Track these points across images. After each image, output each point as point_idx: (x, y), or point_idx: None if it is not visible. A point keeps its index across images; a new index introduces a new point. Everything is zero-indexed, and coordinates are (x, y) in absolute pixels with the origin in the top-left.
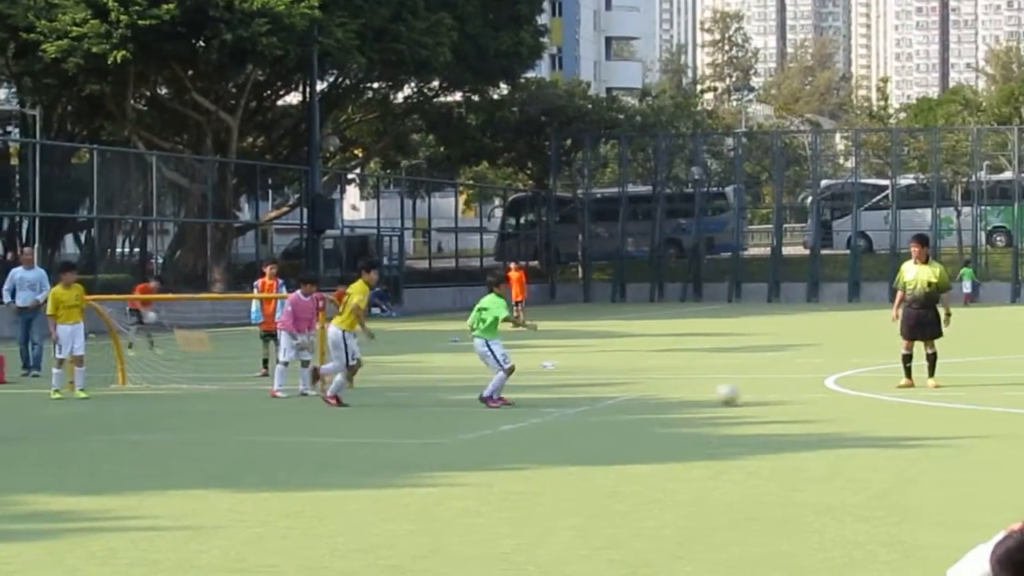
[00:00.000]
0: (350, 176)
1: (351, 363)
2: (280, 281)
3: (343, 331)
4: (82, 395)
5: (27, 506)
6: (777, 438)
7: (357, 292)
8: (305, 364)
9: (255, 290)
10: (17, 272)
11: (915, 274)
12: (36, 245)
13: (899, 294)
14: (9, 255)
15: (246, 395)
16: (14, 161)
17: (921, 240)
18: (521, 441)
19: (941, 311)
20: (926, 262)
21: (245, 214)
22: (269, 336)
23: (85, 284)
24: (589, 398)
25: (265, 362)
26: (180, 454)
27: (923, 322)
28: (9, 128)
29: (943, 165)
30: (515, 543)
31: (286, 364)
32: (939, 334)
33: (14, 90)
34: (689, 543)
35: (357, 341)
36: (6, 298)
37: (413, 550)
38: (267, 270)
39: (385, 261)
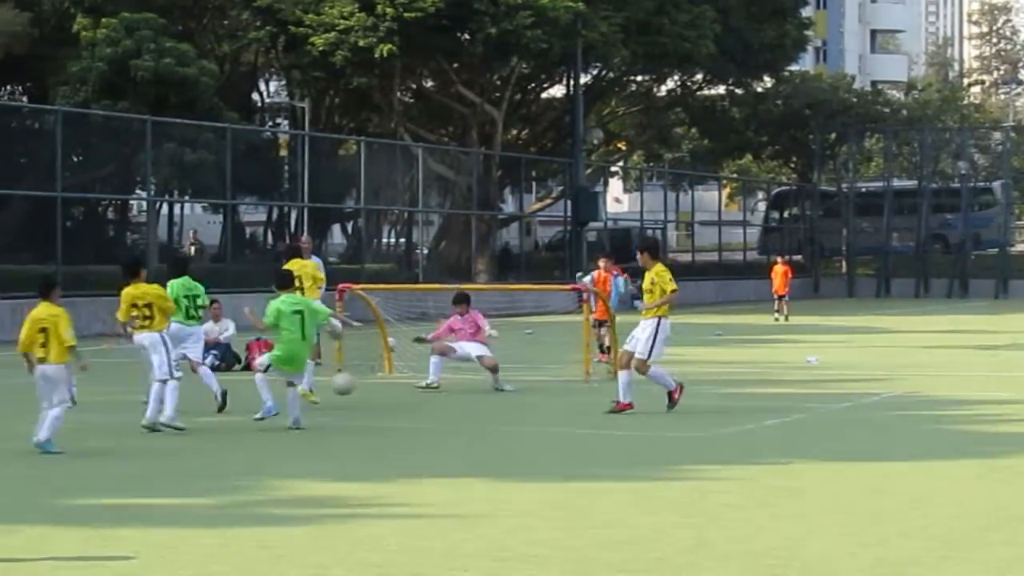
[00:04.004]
0: (613, 169)
1: None
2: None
3: None
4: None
5: (289, 491)
6: None
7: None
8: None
9: (591, 282)
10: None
11: None
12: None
13: None
14: (279, 244)
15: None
16: (283, 153)
17: None
18: (783, 436)
19: None
20: None
21: (509, 206)
22: (600, 324)
23: (352, 274)
24: (853, 394)
25: (601, 347)
26: (442, 443)
27: None
28: (279, 120)
29: None
30: (779, 538)
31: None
32: None
33: (284, 83)
34: (957, 543)
35: None
36: None
37: (678, 543)
38: (601, 263)
39: None
